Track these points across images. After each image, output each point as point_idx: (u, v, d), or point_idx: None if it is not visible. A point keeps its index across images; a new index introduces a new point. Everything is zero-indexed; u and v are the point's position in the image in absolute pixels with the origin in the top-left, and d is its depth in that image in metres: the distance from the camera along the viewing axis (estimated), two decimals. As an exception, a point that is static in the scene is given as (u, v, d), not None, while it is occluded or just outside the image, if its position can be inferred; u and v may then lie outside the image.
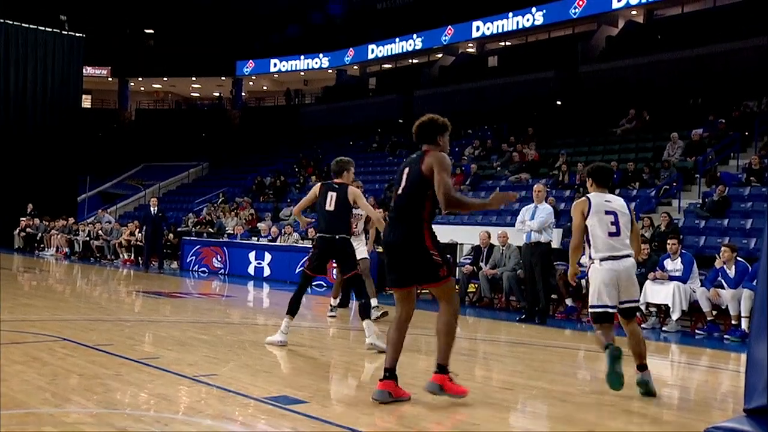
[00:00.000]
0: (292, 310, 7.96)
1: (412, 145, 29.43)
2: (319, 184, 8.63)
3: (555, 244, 13.55)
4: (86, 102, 39.85)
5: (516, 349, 9.29)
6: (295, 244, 19.76)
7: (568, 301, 12.66)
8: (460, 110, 30.10)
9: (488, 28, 32.49)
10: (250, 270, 19.99)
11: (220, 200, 30.06)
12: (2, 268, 19.36)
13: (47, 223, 28.64)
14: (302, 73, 41.84)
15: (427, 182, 5.44)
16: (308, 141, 35.03)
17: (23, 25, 31.69)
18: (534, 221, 11.41)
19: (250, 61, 42.10)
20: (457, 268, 15.46)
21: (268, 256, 19.84)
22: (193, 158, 38.92)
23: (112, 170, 36.98)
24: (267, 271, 19.60)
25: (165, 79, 45.35)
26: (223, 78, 43.87)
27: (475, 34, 33.20)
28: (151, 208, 21.53)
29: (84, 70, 34.48)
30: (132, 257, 23.11)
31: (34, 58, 31.69)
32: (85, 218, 31.45)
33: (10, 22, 31.47)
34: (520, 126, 26.47)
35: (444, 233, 16.78)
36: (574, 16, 29.78)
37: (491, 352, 9.27)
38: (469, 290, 14.66)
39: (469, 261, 14.85)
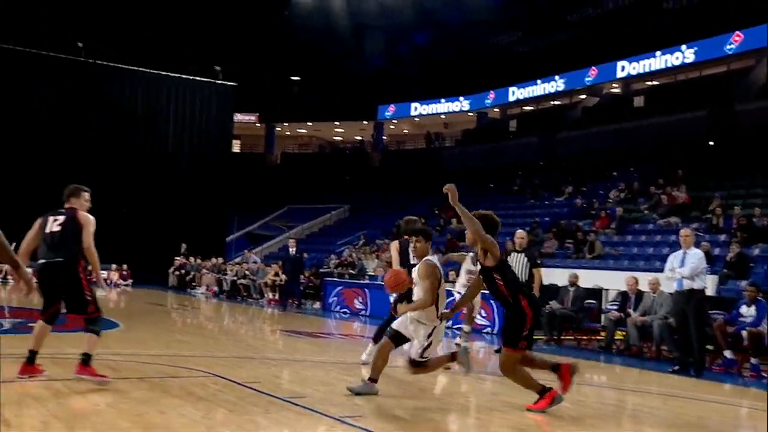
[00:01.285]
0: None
1: (554, 188, 29.05)
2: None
3: (710, 292, 12.89)
4: (236, 147, 41.15)
5: (669, 402, 8.76)
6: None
7: (727, 353, 11.77)
8: (604, 151, 29.55)
9: (634, 68, 31.77)
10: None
11: (361, 242, 30.26)
12: (159, 305, 20.10)
13: (198, 263, 29.57)
14: (443, 116, 41.92)
15: None
16: (451, 182, 34.79)
17: (182, 76, 33.17)
18: (685, 268, 10.82)
19: (391, 105, 42.46)
20: (603, 315, 15.03)
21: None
22: (335, 201, 39.46)
23: (258, 212, 37.93)
24: None
25: (309, 123, 46.39)
26: (365, 122, 44.44)
27: (620, 74, 32.57)
28: (290, 249, 21.96)
29: (234, 117, 35.72)
30: (276, 297, 23.44)
31: (190, 106, 33.06)
32: (233, 258, 32.30)
33: (171, 74, 33.05)
34: (669, 167, 25.53)
35: (588, 278, 16.36)
36: (729, 53, 28.66)
37: (642, 405, 8.70)
38: (616, 337, 14.07)
39: (615, 307, 14.31)
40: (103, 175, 26.04)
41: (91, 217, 6.92)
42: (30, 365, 6.96)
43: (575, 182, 29.28)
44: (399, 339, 7.32)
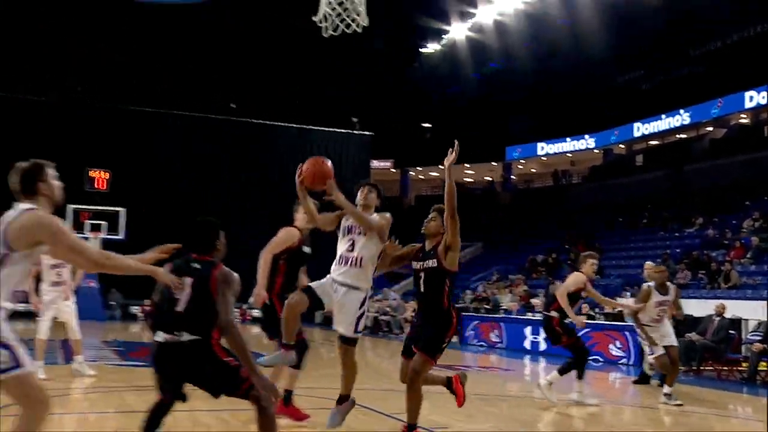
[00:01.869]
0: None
1: (684, 220, 27.85)
2: None
3: None
4: (373, 189, 41.99)
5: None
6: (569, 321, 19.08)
7: None
8: (733, 182, 28.48)
9: (763, 97, 30.34)
10: (526, 344, 19.96)
11: (494, 278, 30.07)
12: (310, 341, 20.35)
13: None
14: (569, 155, 41.47)
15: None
16: (577, 219, 34.48)
17: (324, 128, 34.25)
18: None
19: (519, 147, 42.39)
20: (743, 345, 14.35)
21: (543, 332, 19.42)
22: (468, 239, 39.27)
23: (396, 252, 38.20)
24: (543, 346, 19.20)
25: (440, 167, 46.53)
26: (494, 163, 44.50)
27: (748, 105, 31.38)
28: (424, 285, 21.89)
29: (371, 163, 36.48)
30: (416, 332, 23.42)
31: (331, 155, 33.82)
32: (374, 295, 32.43)
33: (314, 127, 34.17)
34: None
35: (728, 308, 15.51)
36: None
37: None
38: (759, 368, 13.23)
39: (758, 338, 13.56)
40: (249, 219, 27.10)
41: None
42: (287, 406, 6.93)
43: (705, 213, 28.35)
44: (312, 298, 5.97)
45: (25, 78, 33.24)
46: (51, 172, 4.43)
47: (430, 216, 6.59)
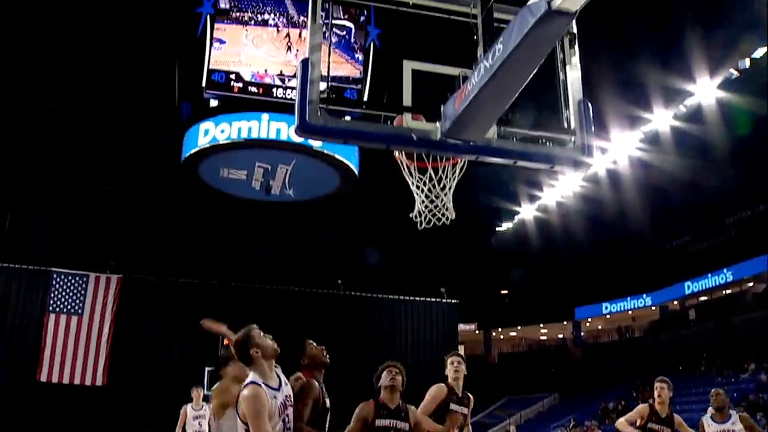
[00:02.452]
0: None
1: (737, 366, 28.56)
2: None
3: None
4: (460, 350, 42.65)
5: None
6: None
7: None
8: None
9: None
10: None
11: (571, 425, 30.53)
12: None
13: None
14: (630, 312, 42.04)
15: None
16: (643, 368, 34.69)
17: (415, 298, 35.95)
18: None
19: (586, 307, 43.13)
20: None
21: None
22: (545, 390, 40.01)
23: (482, 404, 38.81)
24: None
25: (519, 327, 47.67)
26: (565, 322, 45.07)
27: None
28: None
29: (457, 327, 37.63)
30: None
31: (423, 322, 35.49)
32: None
33: (407, 297, 35.94)
34: None
35: None
36: None
37: None
38: None
39: None
40: (352, 389, 28.82)
41: None
42: None
43: (756, 359, 28.75)
44: None
45: (176, 264, 36.36)
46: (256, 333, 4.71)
47: None
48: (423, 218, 6.50)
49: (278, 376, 4.69)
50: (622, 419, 8.45)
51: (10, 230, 35.19)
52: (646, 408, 8.39)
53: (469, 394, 7.12)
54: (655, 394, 8.19)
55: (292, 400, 4.70)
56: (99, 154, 30.47)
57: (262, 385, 4.54)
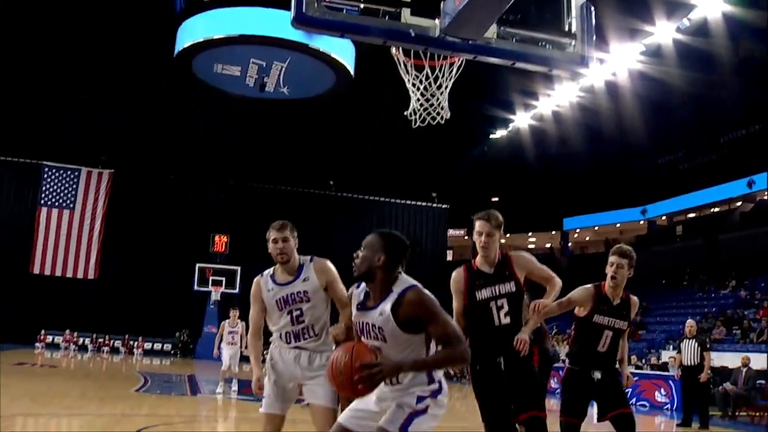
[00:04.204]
0: None
1: (719, 283, 29.06)
2: None
3: None
4: (449, 256, 43.37)
5: None
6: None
7: None
8: (762, 250, 29.43)
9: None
10: None
11: (554, 331, 30.92)
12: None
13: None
14: (618, 225, 42.43)
15: None
16: (628, 282, 34.96)
17: (407, 202, 36.16)
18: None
19: (574, 218, 43.48)
20: None
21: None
22: (532, 298, 40.53)
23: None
24: None
25: (507, 235, 48.14)
26: (553, 232, 45.50)
27: (769, 184, 32.33)
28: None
29: (448, 232, 37.99)
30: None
31: (413, 225, 35.84)
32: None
33: (398, 201, 36.08)
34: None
35: (758, 361, 16.70)
36: None
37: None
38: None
39: None
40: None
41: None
42: None
43: (738, 277, 29.23)
44: None
45: (166, 160, 36.38)
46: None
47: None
48: (418, 116, 6.37)
49: (299, 271, 4.70)
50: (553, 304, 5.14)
51: (1, 123, 34.92)
52: (588, 292, 5.55)
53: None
54: (609, 273, 5.49)
55: (308, 296, 4.64)
56: (91, 46, 29.90)
57: (263, 276, 4.73)
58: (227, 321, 15.16)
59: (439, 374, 3.54)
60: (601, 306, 5.42)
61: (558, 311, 5.23)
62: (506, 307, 4.73)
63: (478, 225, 4.85)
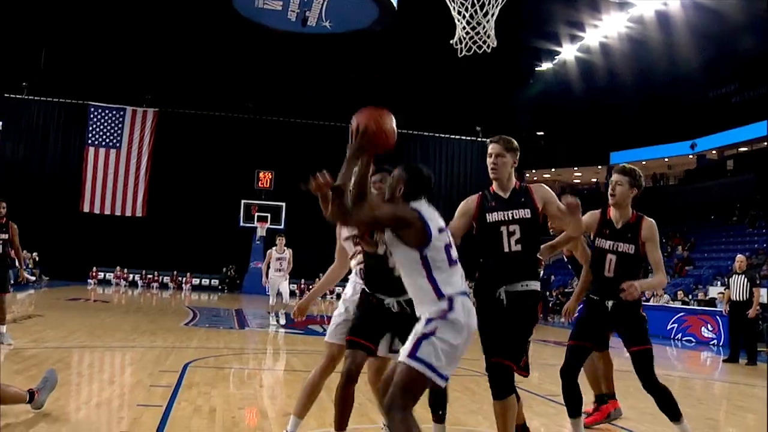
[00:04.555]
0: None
1: (768, 217, 28.42)
2: None
3: None
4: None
5: None
6: (665, 305, 20.62)
7: None
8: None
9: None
10: None
11: None
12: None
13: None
14: (666, 159, 41.74)
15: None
16: (675, 217, 34.90)
17: (450, 136, 35.86)
18: None
19: (621, 152, 42.73)
20: None
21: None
22: (577, 235, 40.29)
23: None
24: None
25: (553, 169, 47.71)
26: (599, 167, 44.91)
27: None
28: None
29: (494, 165, 37.77)
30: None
31: (457, 160, 35.57)
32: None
33: (444, 135, 35.81)
34: None
35: None
36: None
37: None
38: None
39: None
40: None
41: None
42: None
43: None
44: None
45: (210, 98, 36.54)
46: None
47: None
48: (464, 45, 6.08)
49: None
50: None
51: (46, 65, 35.29)
52: (594, 215, 5.40)
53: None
54: (609, 194, 5.31)
55: None
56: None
57: None
58: (274, 248, 15.10)
59: (450, 290, 3.52)
60: (604, 229, 5.23)
61: (577, 233, 4.89)
62: (518, 234, 4.44)
63: (489, 148, 4.69)
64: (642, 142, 41.00)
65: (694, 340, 18.52)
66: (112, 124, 35.18)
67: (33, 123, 34.70)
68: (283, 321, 14.96)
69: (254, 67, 35.18)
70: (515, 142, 4.68)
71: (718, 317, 17.66)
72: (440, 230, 3.61)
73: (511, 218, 4.50)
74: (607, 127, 41.40)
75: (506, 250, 4.44)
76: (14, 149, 33.95)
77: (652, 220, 5.27)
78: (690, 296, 23.03)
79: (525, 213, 4.50)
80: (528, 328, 4.42)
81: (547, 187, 4.73)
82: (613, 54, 34.84)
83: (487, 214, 4.52)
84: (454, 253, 3.66)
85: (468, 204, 4.65)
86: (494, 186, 4.67)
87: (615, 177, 5.33)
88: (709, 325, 18.32)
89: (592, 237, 5.36)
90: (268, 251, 15.36)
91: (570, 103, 40.55)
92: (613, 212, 5.32)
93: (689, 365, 13.62)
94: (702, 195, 35.69)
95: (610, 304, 5.11)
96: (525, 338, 4.40)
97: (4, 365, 7.53)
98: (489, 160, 4.67)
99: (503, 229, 4.48)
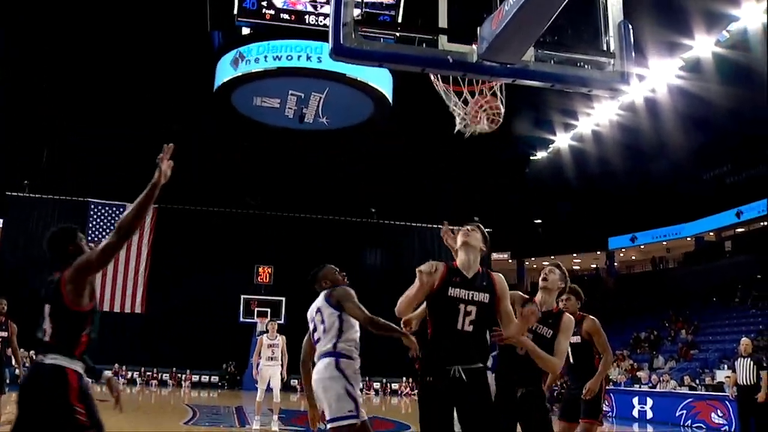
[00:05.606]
0: None
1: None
2: None
3: None
4: (493, 279, 42.87)
5: None
6: (672, 390, 20.32)
7: None
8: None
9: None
10: (634, 413, 20.75)
11: None
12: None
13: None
14: (664, 243, 41.77)
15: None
16: (676, 299, 34.71)
17: (451, 227, 36.02)
18: None
19: (619, 237, 42.90)
20: None
21: (649, 401, 20.43)
22: (578, 319, 39.97)
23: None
24: (649, 414, 20.18)
25: (552, 257, 47.65)
26: (598, 252, 44.97)
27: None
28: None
29: (492, 256, 37.68)
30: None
31: (448, 251, 35.59)
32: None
33: (439, 226, 35.94)
34: None
35: None
36: None
37: None
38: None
39: None
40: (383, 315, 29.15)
41: None
42: None
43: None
44: None
45: (209, 194, 36.86)
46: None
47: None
48: (466, 130, 6.16)
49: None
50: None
51: (48, 163, 35.85)
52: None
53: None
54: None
55: None
56: (132, 84, 30.64)
57: None
58: (265, 335, 13.49)
59: None
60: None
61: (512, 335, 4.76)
62: (473, 316, 4.51)
63: (461, 232, 4.88)
64: (639, 226, 41.21)
65: (704, 426, 18.17)
66: (112, 221, 35.39)
67: (34, 220, 34.89)
68: (276, 428, 12.62)
69: (251, 162, 35.62)
70: (485, 233, 5.01)
71: (727, 402, 17.33)
72: None
73: (471, 299, 4.58)
74: (604, 213, 41.56)
75: (459, 327, 4.50)
76: (15, 246, 34.01)
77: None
78: (697, 381, 22.68)
79: (484, 298, 4.60)
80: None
81: (505, 282, 4.80)
82: (606, 141, 35.40)
83: (449, 288, 4.58)
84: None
85: (434, 272, 4.63)
86: (459, 263, 4.76)
87: (549, 267, 5.50)
88: (719, 411, 18.00)
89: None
90: (259, 338, 13.76)
91: (566, 190, 40.86)
92: (541, 295, 5.38)
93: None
94: (702, 277, 35.48)
95: (521, 390, 5.01)
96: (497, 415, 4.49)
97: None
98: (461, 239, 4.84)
99: (461, 306, 4.56)
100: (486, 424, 4.39)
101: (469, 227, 4.92)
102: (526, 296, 5.12)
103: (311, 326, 5.35)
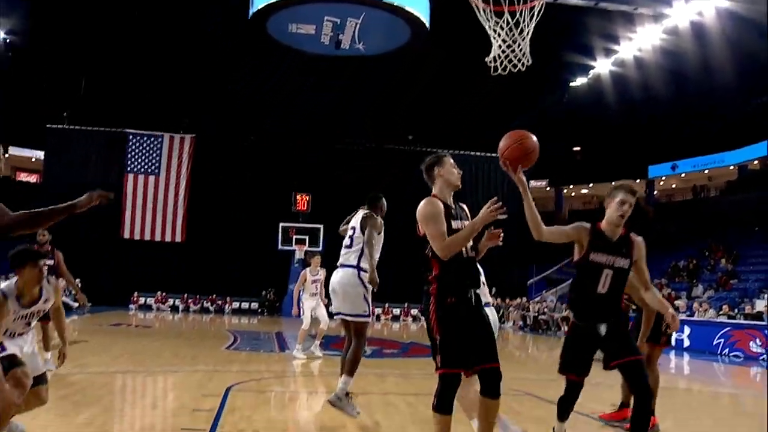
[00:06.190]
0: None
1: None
2: None
3: None
4: (531, 207, 42.78)
5: None
6: (711, 319, 20.27)
7: None
8: None
9: None
10: (671, 341, 20.60)
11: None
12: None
13: (506, 302, 31.64)
14: (706, 171, 41.09)
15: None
16: (716, 228, 34.27)
17: (486, 154, 35.69)
18: None
19: (660, 165, 42.27)
20: None
21: (687, 330, 20.43)
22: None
23: (555, 259, 38.76)
24: (687, 343, 20.20)
25: (590, 185, 47.26)
26: (638, 181, 44.34)
27: None
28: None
29: (529, 183, 37.55)
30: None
31: (494, 177, 35.42)
32: (533, 298, 34.03)
33: (476, 153, 35.73)
34: None
35: None
36: None
37: None
38: None
39: None
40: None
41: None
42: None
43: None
44: None
45: (246, 123, 36.97)
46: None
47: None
48: (499, 63, 6.04)
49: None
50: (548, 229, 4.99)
51: (85, 94, 36.06)
52: (583, 229, 5.09)
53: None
54: (607, 210, 5.14)
55: None
56: (168, 14, 30.45)
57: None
58: (308, 269, 13.49)
59: None
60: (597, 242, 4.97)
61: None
62: (471, 242, 4.73)
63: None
64: (681, 153, 40.50)
65: (742, 355, 18.12)
66: (151, 151, 35.70)
67: (74, 151, 35.34)
68: (319, 353, 13.19)
69: (287, 90, 35.45)
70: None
71: (766, 331, 17.37)
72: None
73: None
74: (644, 141, 40.97)
75: (464, 255, 4.65)
76: (56, 178, 34.55)
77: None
78: (736, 310, 22.54)
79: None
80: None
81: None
82: (648, 66, 34.42)
83: (452, 221, 4.71)
84: None
85: (437, 209, 4.74)
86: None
87: (622, 196, 5.20)
88: (757, 340, 17.93)
89: (578, 256, 5.10)
90: (302, 272, 13.71)
91: (606, 117, 40.16)
92: (605, 226, 5.16)
93: (738, 381, 13.38)
94: (744, 206, 34.73)
95: (603, 328, 4.95)
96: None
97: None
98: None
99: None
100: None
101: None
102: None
103: (349, 232, 6.91)
